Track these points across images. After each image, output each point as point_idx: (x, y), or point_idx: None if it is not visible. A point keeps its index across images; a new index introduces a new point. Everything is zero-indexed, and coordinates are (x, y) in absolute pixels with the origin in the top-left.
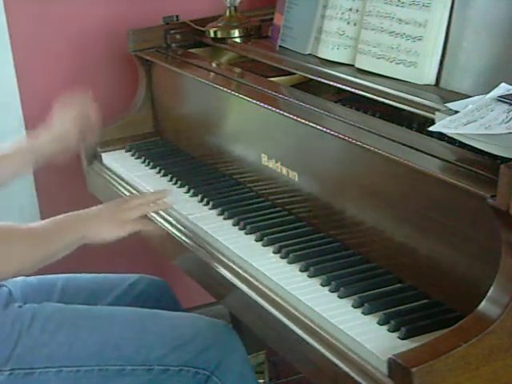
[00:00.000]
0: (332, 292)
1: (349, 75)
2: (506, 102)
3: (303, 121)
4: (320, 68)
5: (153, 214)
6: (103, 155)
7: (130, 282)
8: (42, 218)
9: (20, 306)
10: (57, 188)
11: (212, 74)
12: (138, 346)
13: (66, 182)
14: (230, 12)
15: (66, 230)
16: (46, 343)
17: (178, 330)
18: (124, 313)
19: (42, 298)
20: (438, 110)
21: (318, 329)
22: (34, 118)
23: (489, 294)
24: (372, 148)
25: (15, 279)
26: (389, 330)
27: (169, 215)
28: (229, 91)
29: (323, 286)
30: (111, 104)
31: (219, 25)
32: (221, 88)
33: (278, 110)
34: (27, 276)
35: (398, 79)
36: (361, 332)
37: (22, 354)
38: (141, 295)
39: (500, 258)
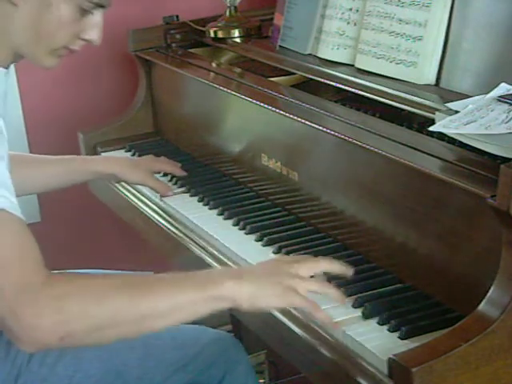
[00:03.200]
0: None
1: (349, 75)
2: (506, 102)
3: (303, 121)
4: (320, 68)
5: (150, 212)
6: (103, 155)
7: None
8: (42, 218)
9: None
10: None
11: (212, 73)
12: (141, 371)
13: None
14: (230, 12)
15: (192, 284)
16: (45, 377)
17: (182, 351)
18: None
19: None
20: (438, 110)
21: (318, 329)
22: (34, 117)
23: (489, 294)
24: (372, 148)
25: None
26: (389, 330)
27: (168, 215)
28: (229, 91)
29: None
30: (111, 104)
31: (219, 25)
32: (221, 88)
33: (278, 110)
34: None
35: (398, 79)
36: (361, 332)
37: None
38: None
39: (500, 258)
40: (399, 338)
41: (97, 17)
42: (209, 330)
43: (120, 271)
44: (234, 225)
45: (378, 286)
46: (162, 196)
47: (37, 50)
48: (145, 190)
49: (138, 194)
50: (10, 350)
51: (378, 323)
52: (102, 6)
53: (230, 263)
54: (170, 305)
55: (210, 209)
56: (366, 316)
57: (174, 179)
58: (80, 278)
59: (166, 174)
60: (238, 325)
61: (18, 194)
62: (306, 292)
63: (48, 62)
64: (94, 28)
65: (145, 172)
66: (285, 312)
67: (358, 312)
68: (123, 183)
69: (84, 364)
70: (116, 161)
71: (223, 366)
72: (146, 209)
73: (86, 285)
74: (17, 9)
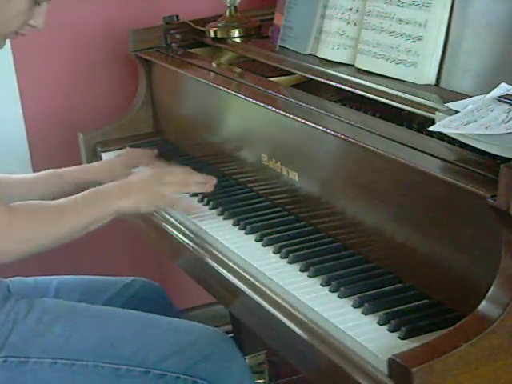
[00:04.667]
0: (332, 292)
1: (349, 75)
2: (506, 102)
3: (303, 121)
4: (320, 68)
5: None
6: (103, 155)
7: (124, 283)
8: None
9: (17, 300)
10: None
11: (212, 73)
12: (136, 346)
13: None
14: (230, 12)
15: (98, 203)
16: (41, 334)
17: (178, 335)
18: (123, 314)
19: (37, 296)
20: (438, 110)
21: (318, 329)
22: (34, 117)
23: (489, 293)
24: (372, 148)
25: (12, 279)
26: (389, 330)
27: (168, 215)
28: (229, 91)
29: (323, 286)
30: (111, 104)
31: (219, 25)
32: (221, 88)
33: (278, 110)
34: (25, 277)
35: (398, 79)
36: (361, 332)
37: (17, 342)
38: (135, 296)
39: (500, 258)
40: (399, 338)
41: (43, 6)
42: (203, 325)
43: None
44: (234, 225)
45: (378, 286)
46: None
47: None
48: None
49: None
50: (4, 306)
51: (378, 323)
52: None
53: (230, 263)
54: (85, 224)
55: (210, 209)
56: (366, 316)
57: None
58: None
59: None
60: (237, 325)
61: None
62: (171, 194)
63: None
64: (40, 16)
65: (122, 172)
66: (285, 312)
67: (358, 312)
68: None
69: (80, 327)
70: (92, 169)
71: (219, 362)
72: None
73: (29, 214)
74: None
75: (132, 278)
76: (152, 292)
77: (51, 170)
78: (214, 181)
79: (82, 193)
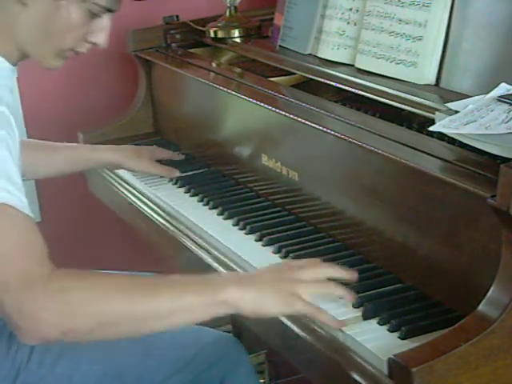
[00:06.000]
0: None
1: (349, 75)
2: (506, 102)
3: (303, 121)
4: (320, 68)
5: (150, 212)
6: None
7: None
8: (43, 218)
9: None
10: (57, 188)
11: (212, 73)
12: (140, 372)
13: (66, 182)
14: (230, 12)
15: (196, 288)
16: (44, 377)
17: (182, 351)
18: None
19: None
20: (438, 110)
21: (318, 329)
22: (34, 117)
23: (489, 293)
24: (372, 148)
25: None
26: (389, 330)
27: (169, 215)
28: (229, 91)
29: None
30: (111, 104)
31: (219, 25)
32: (221, 88)
33: (278, 110)
34: None
35: (398, 79)
36: (361, 332)
37: None
38: None
39: (500, 258)
40: (399, 338)
41: (105, 20)
42: (209, 330)
43: (122, 272)
44: (234, 225)
45: (378, 286)
46: (169, 178)
47: (43, 50)
48: (145, 190)
49: (138, 194)
50: (10, 348)
51: (378, 323)
52: (110, 11)
53: (230, 263)
54: (171, 308)
55: (210, 209)
56: (366, 316)
57: (174, 179)
58: (84, 275)
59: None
60: (237, 325)
61: (30, 177)
62: (308, 297)
63: (53, 63)
64: (101, 31)
65: (148, 160)
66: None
67: (358, 312)
68: (124, 183)
69: (83, 365)
70: (122, 150)
71: (224, 367)
72: (146, 209)
73: (90, 281)
74: (26, 8)
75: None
76: None
77: (73, 145)
78: (355, 276)
79: (185, 276)
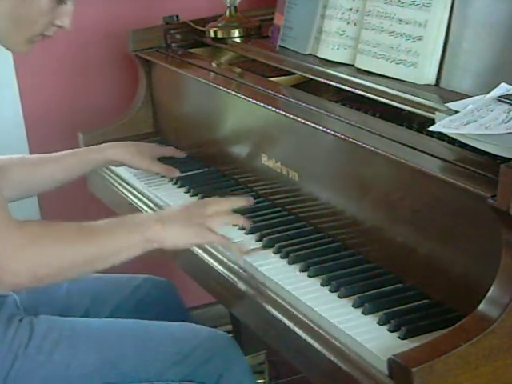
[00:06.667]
0: (332, 292)
1: (349, 75)
2: (506, 102)
3: (303, 121)
4: (320, 68)
5: (148, 211)
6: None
7: (136, 284)
8: (43, 218)
9: (20, 320)
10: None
11: (212, 73)
12: (137, 362)
13: None
14: (230, 12)
15: (129, 228)
16: (42, 364)
17: (179, 345)
18: (123, 327)
19: (47, 299)
20: (438, 110)
21: (318, 329)
22: (34, 118)
23: (489, 293)
24: (372, 148)
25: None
26: (389, 330)
27: None
28: (229, 91)
29: (323, 285)
30: (111, 104)
31: (219, 25)
32: (221, 88)
33: (278, 110)
34: None
35: (398, 79)
36: (361, 332)
37: (19, 375)
38: (146, 298)
39: (500, 258)
40: (399, 338)
41: (69, 5)
42: (205, 328)
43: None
44: (234, 225)
45: (378, 286)
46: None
47: (16, 38)
48: (145, 190)
49: (138, 194)
50: (6, 333)
51: (378, 323)
52: None
53: (230, 263)
54: (112, 250)
55: None
56: (366, 316)
57: (174, 179)
58: (47, 225)
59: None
60: (237, 325)
61: (37, 192)
62: (216, 228)
63: (24, 48)
64: (67, 15)
65: (149, 159)
66: (285, 312)
67: (358, 312)
68: (123, 183)
69: (80, 353)
70: (123, 147)
71: (220, 364)
72: (146, 209)
73: (52, 231)
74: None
75: (143, 276)
76: (163, 291)
77: (71, 151)
78: (251, 200)
79: (110, 218)
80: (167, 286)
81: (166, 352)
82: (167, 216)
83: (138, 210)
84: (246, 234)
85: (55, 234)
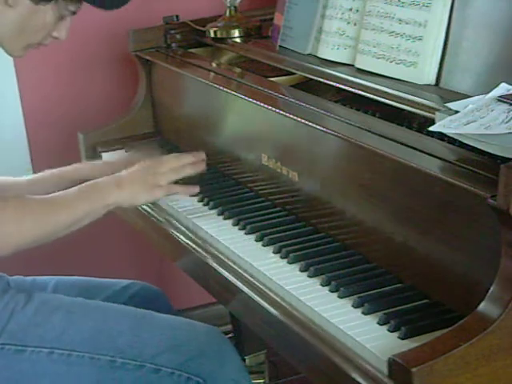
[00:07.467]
0: (332, 292)
1: (349, 75)
2: (506, 102)
3: (303, 121)
4: (320, 68)
5: (149, 211)
6: (103, 155)
7: (123, 285)
8: None
9: (16, 292)
10: None
11: (212, 73)
12: (132, 339)
13: None
14: (230, 12)
15: (92, 196)
16: (39, 323)
17: (174, 331)
18: (121, 308)
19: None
20: (438, 110)
21: (317, 329)
22: (34, 117)
23: (489, 293)
24: (372, 148)
25: (11, 277)
26: (389, 330)
27: (169, 215)
28: (229, 91)
29: (323, 285)
30: (111, 104)
31: (219, 25)
32: (221, 88)
33: (278, 110)
34: (25, 276)
35: (398, 79)
36: (361, 332)
37: (15, 330)
38: (133, 298)
39: (500, 258)
40: (399, 338)
41: (68, 20)
42: (202, 323)
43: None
44: (234, 225)
45: (378, 286)
46: None
47: (16, 44)
48: None
49: None
50: (4, 295)
51: (378, 323)
52: (74, 13)
53: (230, 263)
54: (74, 219)
55: (210, 209)
56: (366, 316)
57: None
58: (21, 201)
59: None
60: (237, 325)
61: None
62: (166, 183)
63: (20, 53)
64: (64, 28)
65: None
66: (285, 312)
67: (358, 312)
68: None
69: (78, 320)
70: (92, 167)
71: (213, 359)
72: (146, 208)
73: (23, 205)
74: (10, 9)
75: (131, 280)
76: (151, 294)
77: (49, 171)
78: (203, 155)
79: (75, 187)
80: (154, 290)
81: (162, 336)
82: (125, 178)
83: (137, 210)
84: (246, 234)
85: (29, 207)
